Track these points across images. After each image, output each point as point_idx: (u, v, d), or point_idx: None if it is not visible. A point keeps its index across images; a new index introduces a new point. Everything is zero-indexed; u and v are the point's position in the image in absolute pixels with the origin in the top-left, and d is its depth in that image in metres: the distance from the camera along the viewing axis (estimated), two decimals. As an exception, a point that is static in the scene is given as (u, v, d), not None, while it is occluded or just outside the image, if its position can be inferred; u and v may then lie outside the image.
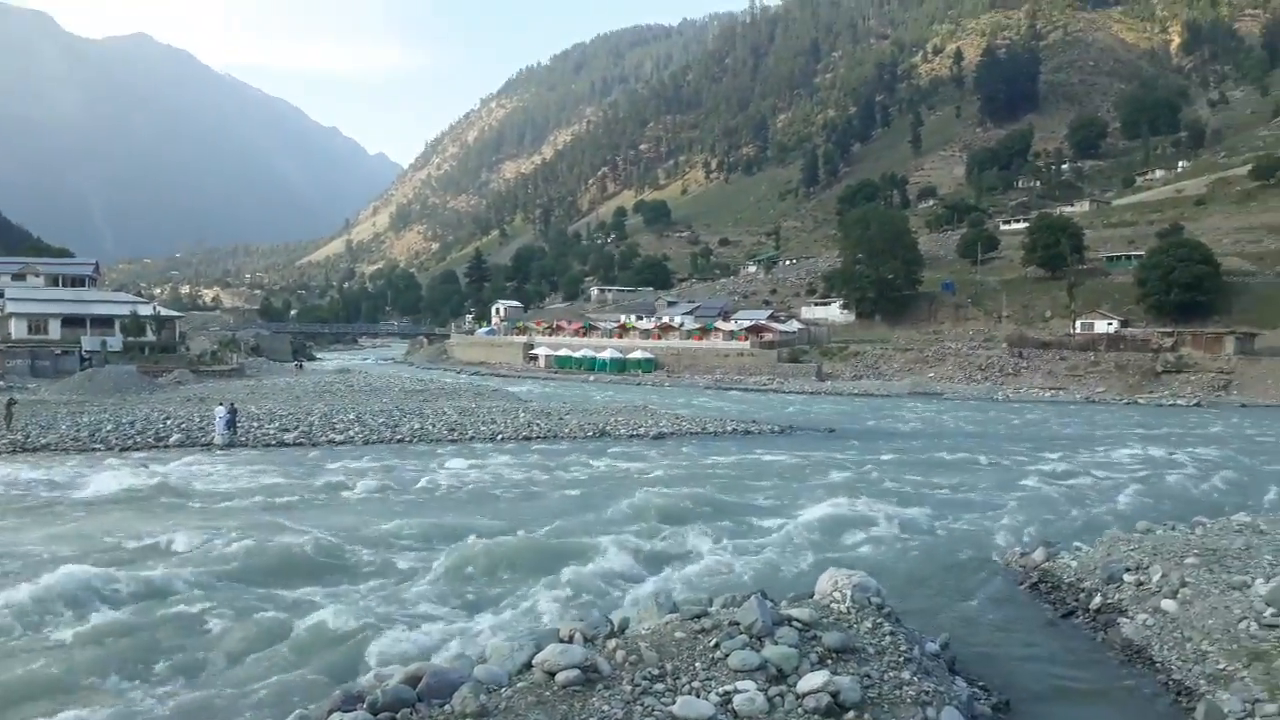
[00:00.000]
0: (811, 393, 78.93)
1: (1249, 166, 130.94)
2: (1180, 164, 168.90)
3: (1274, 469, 32.30)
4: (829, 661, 9.14)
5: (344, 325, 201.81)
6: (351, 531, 19.24)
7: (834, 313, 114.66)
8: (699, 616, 10.09)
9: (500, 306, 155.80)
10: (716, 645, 9.22)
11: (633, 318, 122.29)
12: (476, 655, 10.36)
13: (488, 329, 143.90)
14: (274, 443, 34.79)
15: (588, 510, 22.53)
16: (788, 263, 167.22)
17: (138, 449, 32.64)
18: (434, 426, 40.02)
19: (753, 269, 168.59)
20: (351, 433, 37.58)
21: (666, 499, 23.51)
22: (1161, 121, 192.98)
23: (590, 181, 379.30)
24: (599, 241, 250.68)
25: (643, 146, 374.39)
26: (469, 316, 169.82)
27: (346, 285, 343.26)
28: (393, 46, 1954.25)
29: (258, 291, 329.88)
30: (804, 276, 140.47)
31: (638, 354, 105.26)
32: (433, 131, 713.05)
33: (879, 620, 10.55)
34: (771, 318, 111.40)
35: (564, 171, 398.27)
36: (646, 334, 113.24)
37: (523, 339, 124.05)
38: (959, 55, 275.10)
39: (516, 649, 9.45)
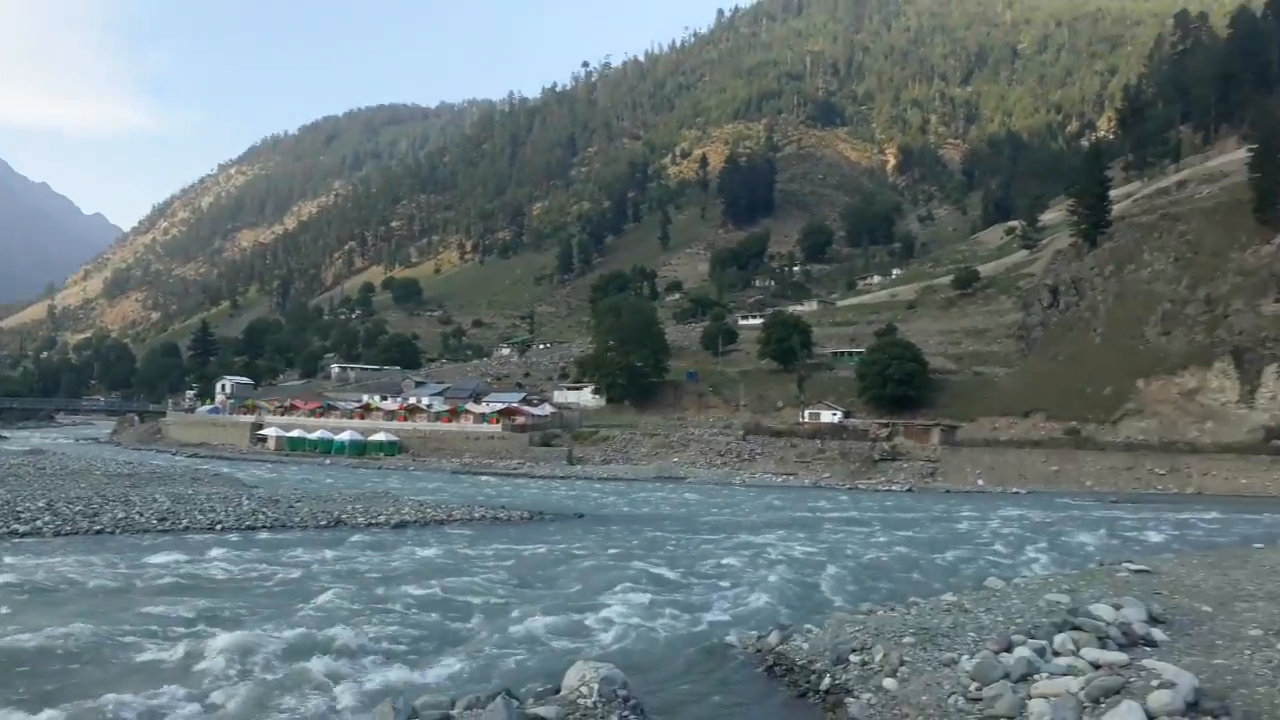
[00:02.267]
0: (562, 477, 79.16)
1: (951, 277, 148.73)
2: (894, 271, 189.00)
3: (975, 551, 35.78)
4: None
5: (38, 400, 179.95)
6: None
7: (586, 397, 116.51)
8: (440, 722, 9.44)
9: (227, 383, 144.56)
10: None
11: (377, 398, 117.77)
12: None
13: (211, 407, 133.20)
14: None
15: (306, 605, 20.81)
16: (542, 347, 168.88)
17: None
18: (141, 515, 36.02)
19: (506, 351, 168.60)
20: (40, 523, 32.92)
21: (403, 593, 22.26)
22: (879, 232, 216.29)
23: (336, 255, 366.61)
24: (343, 317, 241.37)
25: (395, 223, 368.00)
26: (190, 393, 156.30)
27: (45, 355, 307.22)
28: (121, 104, 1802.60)
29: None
30: (557, 361, 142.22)
31: (380, 436, 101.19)
32: (161, 194, 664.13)
33: (625, 714, 10.37)
34: (524, 401, 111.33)
35: (308, 243, 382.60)
36: (391, 415, 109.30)
37: (250, 418, 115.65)
38: (704, 160, 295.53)
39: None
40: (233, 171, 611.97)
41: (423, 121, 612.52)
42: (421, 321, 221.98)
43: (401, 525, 38.28)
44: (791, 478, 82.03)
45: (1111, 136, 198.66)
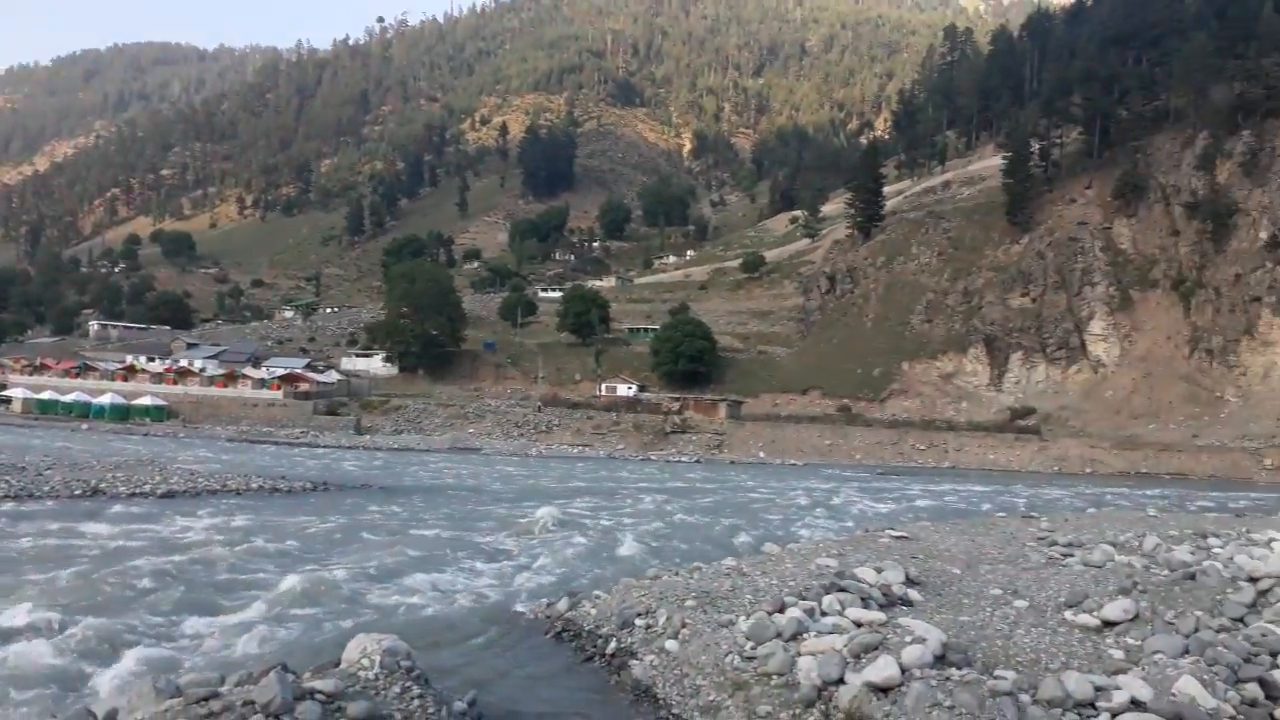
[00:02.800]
0: (350, 447, 76.35)
1: (740, 261, 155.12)
2: (688, 253, 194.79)
3: (756, 519, 37.67)
4: None
5: None
6: None
7: (376, 365, 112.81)
8: (207, 699, 8.89)
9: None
10: None
11: (143, 359, 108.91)
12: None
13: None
14: None
15: (52, 580, 19.01)
16: (329, 311, 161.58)
17: None
18: None
19: (290, 314, 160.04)
20: None
21: (167, 567, 20.75)
22: (675, 214, 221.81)
23: (96, 202, 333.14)
24: (104, 270, 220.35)
25: (165, 172, 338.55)
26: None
27: None
28: None
29: None
30: (346, 326, 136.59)
31: (147, 400, 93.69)
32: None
33: (408, 684, 10.17)
34: (309, 367, 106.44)
35: (63, 187, 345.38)
36: (159, 378, 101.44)
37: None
38: (505, 128, 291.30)
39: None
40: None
41: (198, 64, 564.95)
42: (195, 279, 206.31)
43: (169, 495, 35.56)
44: (588, 449, 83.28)
45: (887, 136, 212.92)
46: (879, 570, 15.73)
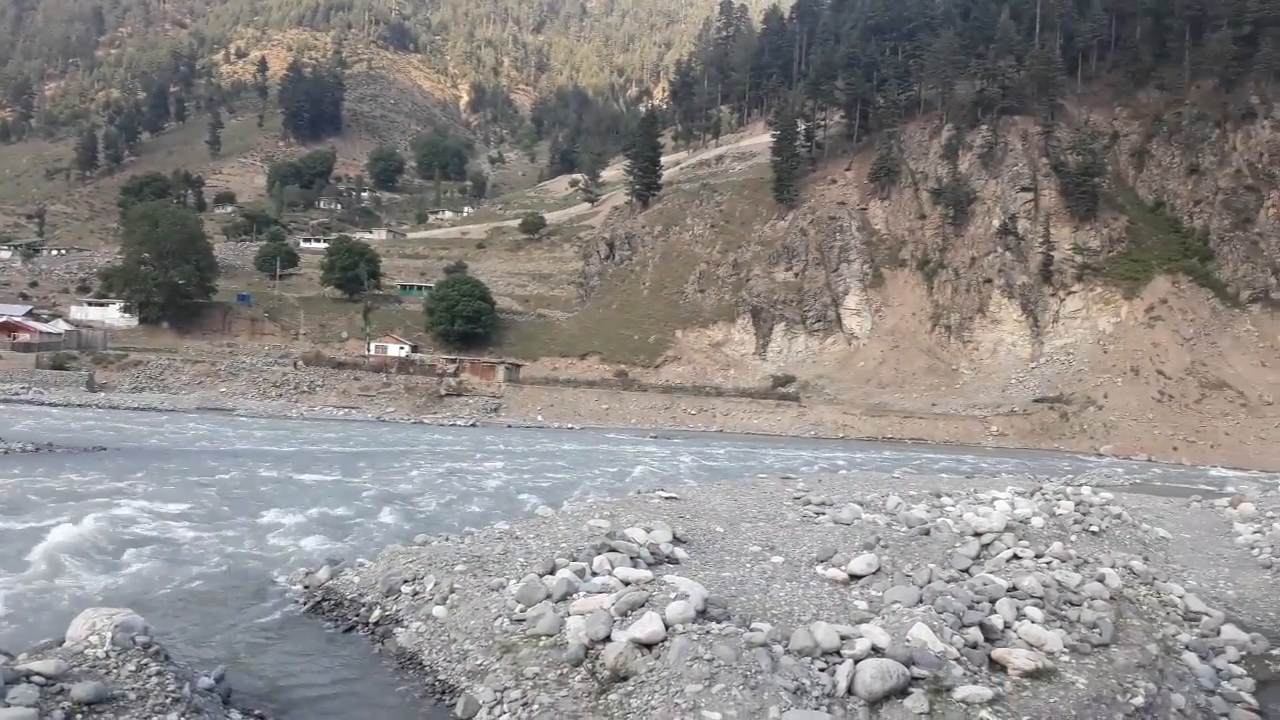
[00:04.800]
0: (80, 405, 69.14)
1: (519, 221, 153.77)
2: (466, 209, 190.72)
3: (529, 482, 37.73)
4: (79, 716, 8.07)
5: None
6: None
7: (113, 315, 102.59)
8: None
9: None
10: None
11: None
12: None
13: None
14: None
15: None
16: (55, 253, 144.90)
17: None
18: None
19: (7, 255, 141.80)
20: None
21: None
22: (451, 168, 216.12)
23: None
24: None
25: None
26: None
27: None
28: None
29: None
30: (76, 271, 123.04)
31: None
32: None
33: (145, 661, 9.44)
34: (31, 315, 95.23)
35: None
36: None
37: None
38: (264, 64, 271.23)
39: None
40: None
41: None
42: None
43: None
44: (355, 411, 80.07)
45: (665, 106, 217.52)
46: (648, 530, 16.16)
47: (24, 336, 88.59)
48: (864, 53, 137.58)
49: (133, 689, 8.73)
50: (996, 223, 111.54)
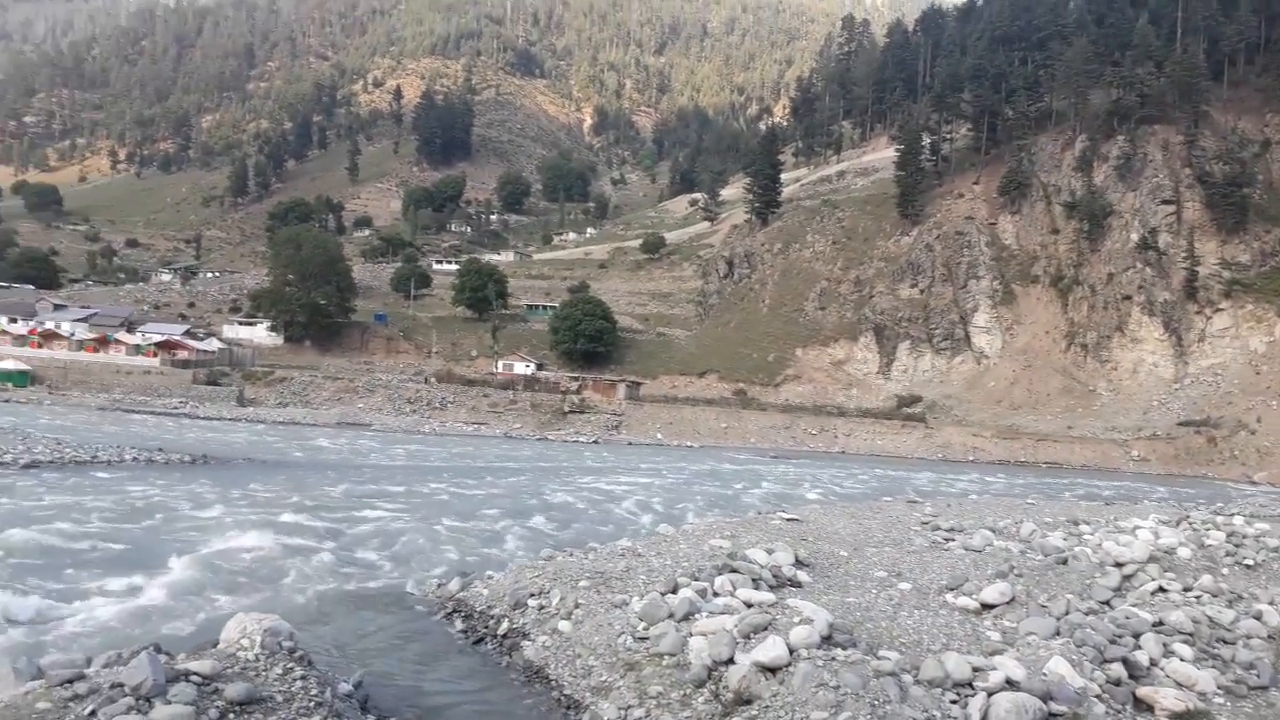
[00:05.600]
0: (231, 419, 73.45)
1: (640, 241, 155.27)
2: (589, 230, 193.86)
3: (651, 500, 37.98)
4: (231, 716, 8.47)
5: None
6: None
7: (261, 334, 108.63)
8: (72, 681, 8.50)
9: None
10: (93, 714, 7.91)
11: (3, 319, 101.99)
12: None
13: None
14: None
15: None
16: (210, 275, 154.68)
17: None
18: None
19: (168, 277, 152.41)
20: None
21: (30, 541, 19.57)
22: (575, 190, 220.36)
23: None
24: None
25: (29, 119, 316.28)
26: None
27: None
28: None
29: None
30: (228, 292, 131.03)
31: (8, 364, 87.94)
32: None
33: (290, 665, 9.92)
34: (188, 334, 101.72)
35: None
36: (22, 340, 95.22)
37: None
38: (399, 92, 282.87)
39: None
40: None
41: (66, 4, 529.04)
42: (62, 235, 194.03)
43: (34, 465, 33.51)
44: (483, 427, 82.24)
45: (785, 123, 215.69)
46: (770, 552, 16.07)
47: (182, 354, 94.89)
48: (991, 64, 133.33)
49: (280, 691, 9.15)
50: (1135, 237, 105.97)
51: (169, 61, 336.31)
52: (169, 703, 8.28)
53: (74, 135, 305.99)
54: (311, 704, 9.13)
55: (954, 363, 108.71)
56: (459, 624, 15.29)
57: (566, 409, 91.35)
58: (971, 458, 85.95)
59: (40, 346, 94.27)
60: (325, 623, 15.36)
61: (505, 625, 14.20)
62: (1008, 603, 13.27)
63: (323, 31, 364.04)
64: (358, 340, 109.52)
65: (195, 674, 8.97)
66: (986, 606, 13.28)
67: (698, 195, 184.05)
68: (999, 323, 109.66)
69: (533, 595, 14.94)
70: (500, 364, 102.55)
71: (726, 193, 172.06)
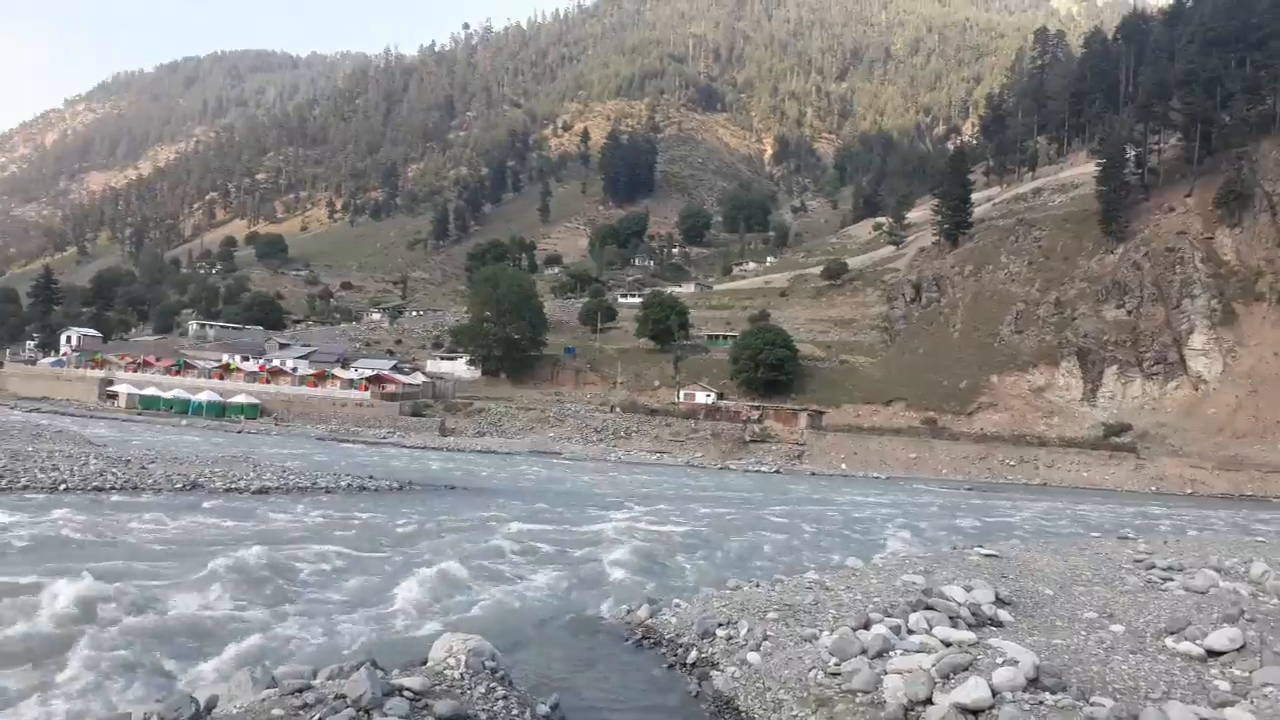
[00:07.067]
0: (434, 448, 77.88)
1: (821, 268, 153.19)
2: (769, 259, 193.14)
3: (837, 531, 37.24)
4: None
5: None
6: None
7: (460, 368, 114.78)
8: (300, 691, 9.23)
9: (73, 334, 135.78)
10: None
11: (237, 358, 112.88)
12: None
13: (55, 359, 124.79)
14: None
15: (163, 568, 19.88)
16: (415, 314, 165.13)
17: None
18: (-26, 472, 33.41)
19: (377, 316, 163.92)
20: None
21: (261, 560, 21.50)
22: (755, 220, 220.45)
23: (196, 205, 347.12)
24: (202, 271, 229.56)
25: (260, 176, 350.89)
26: (31, 343, 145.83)
27: None
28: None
29: None
30: (431, 329, 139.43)
31: (241, 398, 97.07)
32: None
33: (493, 685, 10.36)
34: (395, 368, 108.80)
35: (164, 191, 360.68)
36: (253, 377, 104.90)
37: (99, 373, 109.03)
38: (586, 134, 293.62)
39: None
40: (81, 108, 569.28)
41: (292, 70, 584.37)
42: (287, 280, 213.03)
43: (263, 491, 36.84)
44: (666, 456, 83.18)
45: (975, 142, 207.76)
46: (968, 589, 15.42)
47: (390, 387, 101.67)
48: (1204, 68, 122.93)
49: (483, 710, 9.59)
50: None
51: (379, 117, 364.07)
52: (385, 716, 8.77)
53: (298, 189, 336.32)
54: (513, 723, 9.44)
55: (1167, 388, 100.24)
56: (648, 651, 15.54)
57: (748, 438, 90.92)
58: (1189, 490, 78.83)
59: (268, 382, 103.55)
60: (520, 643, 15.99)
61: (694, 654, 14.31)
62: (1238, 650, 12.12)
63: (515, 80, 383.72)
64: (548, 372, 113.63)
65: (408, 689, 9.47)
66: (1213, 653, 12.19)
67: (882, 219, 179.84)
68: (1218, 345, 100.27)
69: (720, 625, 15.00)
70: (682, 393, 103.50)
71: (912, 215, 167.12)
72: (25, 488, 31.88)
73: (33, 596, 16.09)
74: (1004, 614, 14.60)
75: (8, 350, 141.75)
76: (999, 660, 10.72)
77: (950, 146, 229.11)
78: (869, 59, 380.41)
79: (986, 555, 21.79)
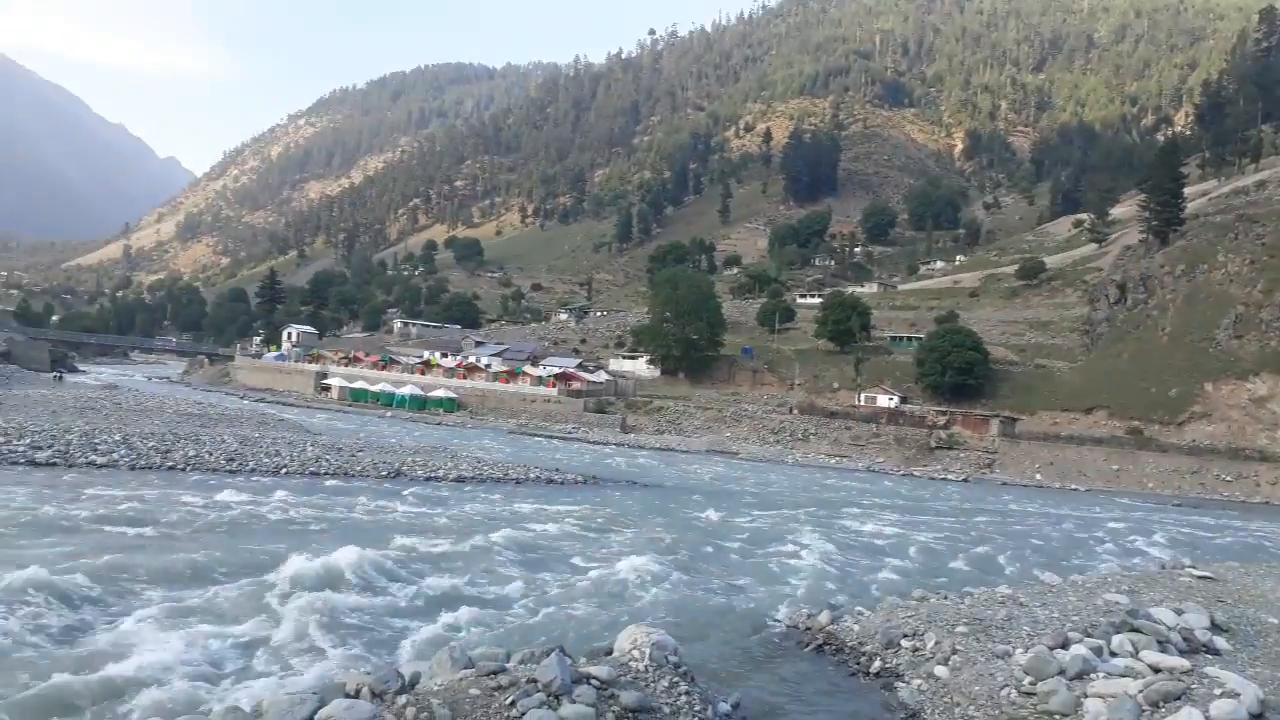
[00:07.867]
0: (615, 444, 79.74)
1: (1015, 267, 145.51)
2: (958, 258, 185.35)
3: (1030, 544, 35.43)
4: None
5: (114, 337, 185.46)
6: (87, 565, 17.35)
7: (641, 367, 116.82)
8: (496, 673, 9.77)
9: (293, 331, 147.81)
10: (513, 704, 8.96)
11: (437, 355, 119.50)
12: (252, 709, 9.43)
13: (278, 354, 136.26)
14: (22, 461, 31.16)
15: (375, 548, 21.46)
16: (599, 314, 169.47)
17: None
18: (211, 454, 37.22)
19: (564, 316, 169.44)
20: (116, 455, 34.29)
21: (459, 547, 22.83)
22: (944, 217, 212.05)
23: (400, 211, 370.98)
24: (406, 273, 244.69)
25: (458, 183, 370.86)
26: (257, 339, 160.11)
27: (120, 294, 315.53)
28: (198, 49, 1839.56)
29: (14, 291, 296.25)
30: (614, 329, 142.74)
31: (440, 392, 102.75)
32: (232, 141, 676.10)
33: (675, 679, 10.56)
34: (580, 366, 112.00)
35: (373, 198, 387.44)
36: (451, 372, 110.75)
37: (316, 367, 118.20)
38: (768, 135, 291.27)
39: (297, 703, 8.77)
40: (302, 123, 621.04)
41: (488, 82, 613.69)
42: (482, 282, 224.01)
43: (460, 480, 39.05)
44: (845, 460, 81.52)
45: (1188, 132, 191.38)
46: (1179, 612, 14.41)
47: (576, 384, 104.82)
48: None
49: (666, 703, 9.82)
50: None
51: (568, 124, 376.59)
52: (574, 702, 9.13)
53: (493, 195, 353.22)
54: (695, 719, 9.57)
55: None
56: (829, 657, 15.42)
57: (933, 444, 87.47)
58: None
59: (464, 378, 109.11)
60: (699, 640, 16.23)
61: (878, 664, 14.11)
62: None
63: (699, 84, 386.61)
64: (725, 372, 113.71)
65: (595, 678, 9.82)
66: None
67: (1083, 216, 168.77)
68: None
69: (905, 636, 14.71)
70: (863, 396, 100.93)
71: (1116, 211, 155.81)
72: (253, 471, 35.22)
73: (268, 578, 17.74)
74: (1221, 641, 13.54)
75: (237, 344, 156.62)
76: (1216, 691, 10.01)
77: (1160, 138, 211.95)
78: (1069, 48, 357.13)
79: (1200, 577, 20.19)
